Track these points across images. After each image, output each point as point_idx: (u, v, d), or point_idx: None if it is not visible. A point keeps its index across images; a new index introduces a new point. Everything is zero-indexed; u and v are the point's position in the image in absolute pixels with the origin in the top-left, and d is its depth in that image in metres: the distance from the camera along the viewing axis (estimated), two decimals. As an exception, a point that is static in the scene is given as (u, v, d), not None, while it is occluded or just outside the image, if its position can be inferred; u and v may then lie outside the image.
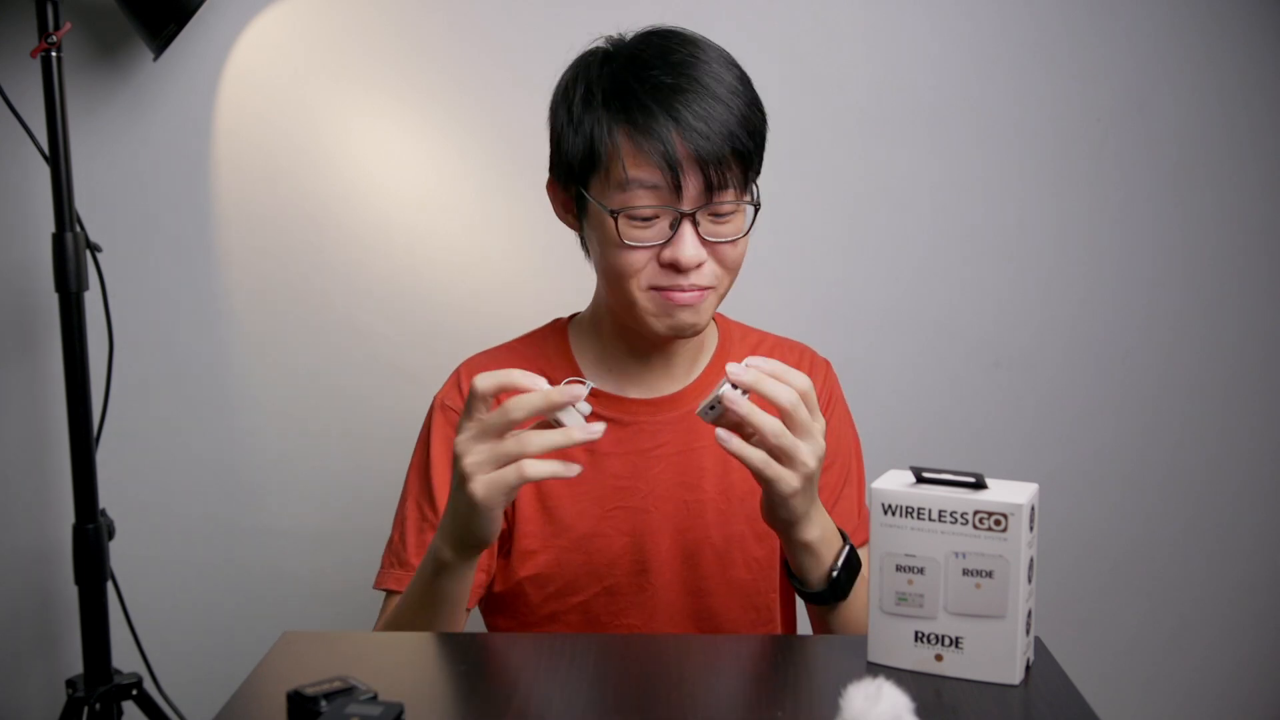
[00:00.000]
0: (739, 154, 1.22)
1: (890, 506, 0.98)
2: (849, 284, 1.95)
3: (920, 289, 1.95)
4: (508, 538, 1.34)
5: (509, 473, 1.05)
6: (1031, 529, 0.97)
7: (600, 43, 1.30)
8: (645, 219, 1.22)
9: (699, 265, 1.23)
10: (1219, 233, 1.96)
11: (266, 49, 1.88)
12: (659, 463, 1.33)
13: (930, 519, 0.97)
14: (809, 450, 1.09)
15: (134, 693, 1.74)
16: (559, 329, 1.41)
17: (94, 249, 1.74)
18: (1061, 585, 2.01)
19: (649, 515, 1.33)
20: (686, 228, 1.21)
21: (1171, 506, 2.02)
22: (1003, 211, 1.95)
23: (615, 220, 1.22)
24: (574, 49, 1.32)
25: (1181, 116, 1.93)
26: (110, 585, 1.75)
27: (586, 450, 1.31)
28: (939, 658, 0.99)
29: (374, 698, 0.92)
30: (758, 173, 1.29)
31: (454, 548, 1.13)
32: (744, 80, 1.27)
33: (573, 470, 1.07)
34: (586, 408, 1.07)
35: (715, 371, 1.37)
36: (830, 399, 1.42)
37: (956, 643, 0.98)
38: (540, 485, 1.32)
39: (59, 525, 1.93)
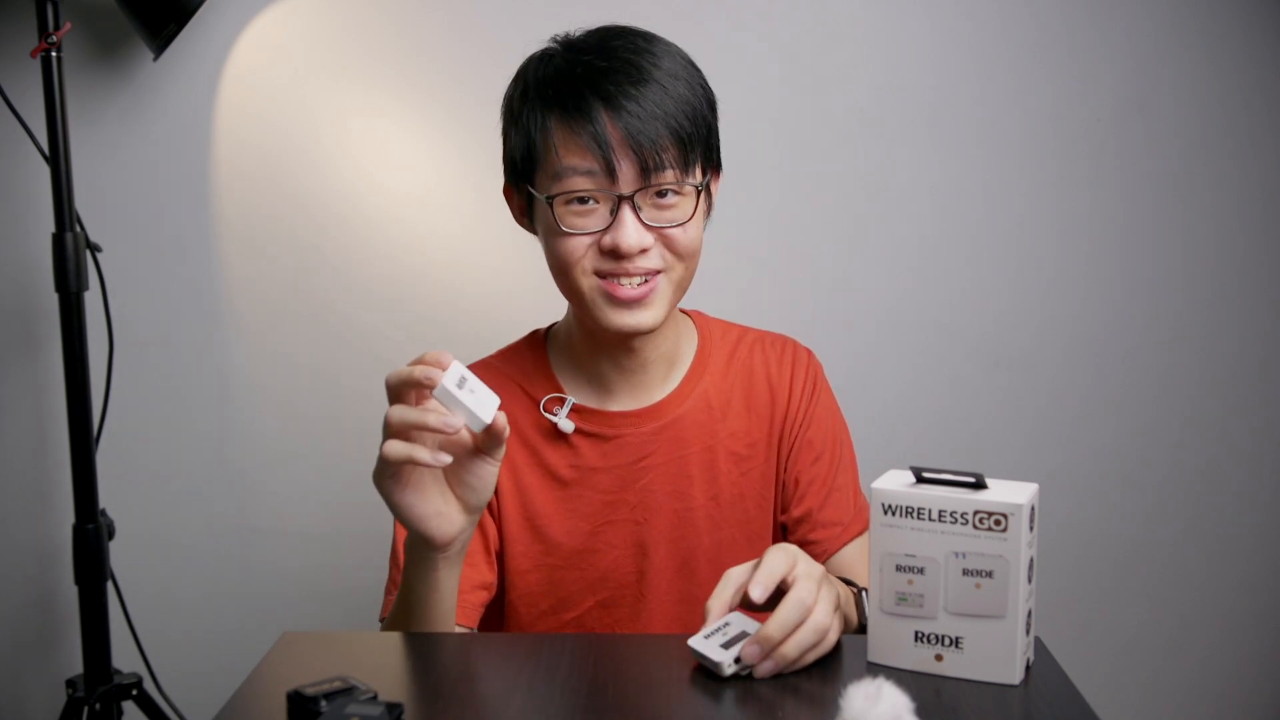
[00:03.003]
0: (676, 135, 1.20)
1: (890, 507, 0.98)
2: (849, 284, 1.95)
3: (920, 289, 1.95)
4: (499, 556, 1.33)
5: (382, 451, 1.02)
6: (1031, 529, 0.97)
7: (548, 43, 1.29)
8: (582, 202, 1.20)
9: (642, 251, 1.20)
10: (1219, 233, 1.96)
11: (266, 49, 1.88)
12: (647, 474, 1.32)
13: (930, 519, 0.97)
14: (825, 610, 1.02)
15: (134, 693, 1.74)
16: (537, 342, 1.39)
17: (94, 249, 1.74)
18: (1061, 585, 2.01)
19: (641, 528, 1.32)
20: (625, 211, 1.19)
21: (1171, 506, 2.02)
22: (1003, 211, 1.95)
23: (552, 206, 1.21)
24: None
25: (1181, 116, 1.93)
26: (110, 585, 1.75)
27: (570, 466, 1.31)
28: (939, 658, 0.99)
29: (374, 698, 0.92)
30: (709, 159, 1.27)
31: (412, 549, 1.11)
32: (688, 67, 1.25)
33: (442, 460, 1.02)
34: (459, 375, 1.01)
35: (698, 373, 1.35)
36: (814, 389, 1.40)
37: (956, 643, 0.98)
38: (527, 504, 1.31)
39: (59, 525, 1.93)
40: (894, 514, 0.98)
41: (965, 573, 0.96)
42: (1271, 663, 2.07)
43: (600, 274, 1.22)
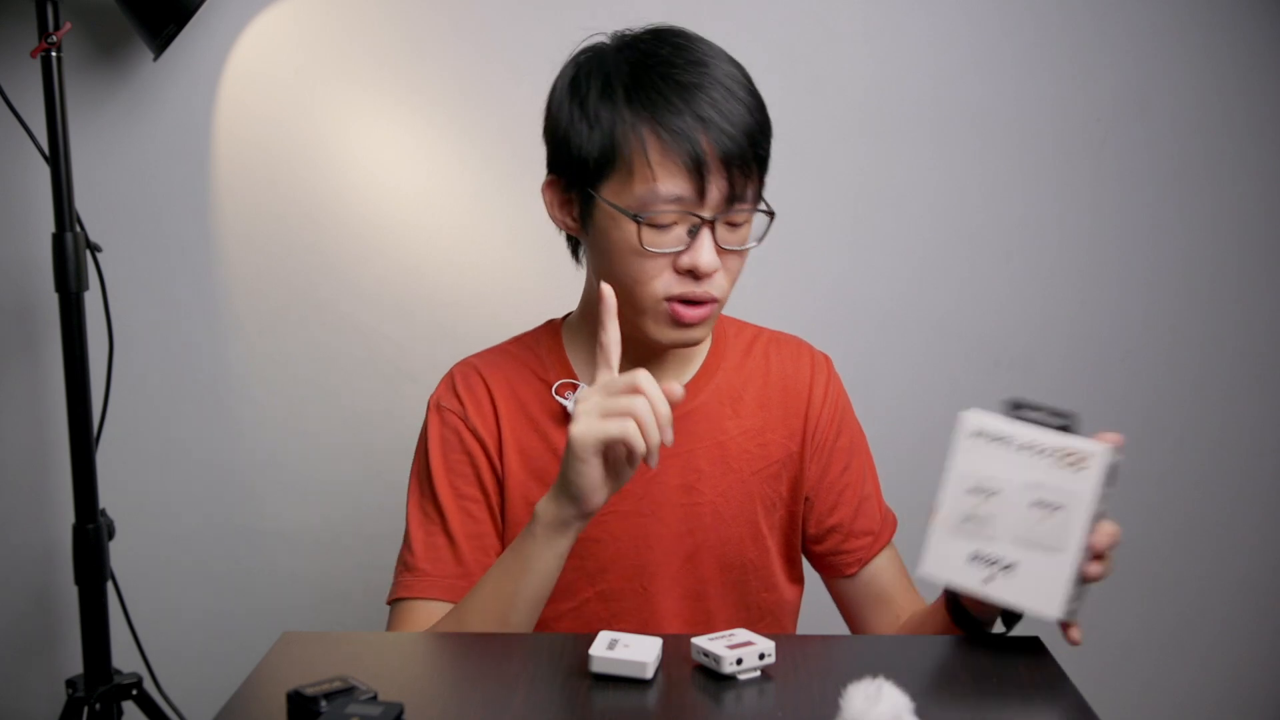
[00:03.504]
0: (760, 159, 1.21)
1: (980, 430, 0.99)
2: (849, 284, 1.95)
3: (920, 289, 1.95)
4: (500, 541, 1.33)
5: (611, 425, 1.06)
6: (1109, 484, 0.98)
7: (602, 38, 1.27)
8: (665, 225, 1.19)
9: (714, 273, 1.21)
10: (1219, 233, 1.96)
11: (266, 49, 1.88)
12: (656, 466, 1.32)
13: (1016, 448, 1.01)
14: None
15: (134, 693, 1.74)
16: (553, 330, 1.39)
17: (94, 249, 1.74)
18: (1061, 585, 2.01)
19: (646, 520, 1.31)
20: (705, 234, 1.19)
21: (1171, 506, 2.02)
22: (1003, 211, 1.95)
23: (639, 226, 1.19)
24: (575, 49, 1.31)
25: (1181, 116, 1.93)
26: (110, 585, 1.75)
27: None
28: (989, 580, 1.00)
29: (374, 698, 0.92)
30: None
31: (553, 504, 1.12)
32: (752, 85, 1.25)
33: (653, 461, 1.08)
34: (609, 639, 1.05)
35: (711, 369, 1.35)
36: (839, 397, 1.40)
37: (1010, 568, 1.00)
38: (531, 488, 1.30)
39: (59, 525, 1.93)
40: (982, 438, 1.01)
41: (1036, 504, 1.00)
42: (1271, 663, 2.07)
43: (669, 298, 1.21)
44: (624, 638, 1.04)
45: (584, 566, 1.30)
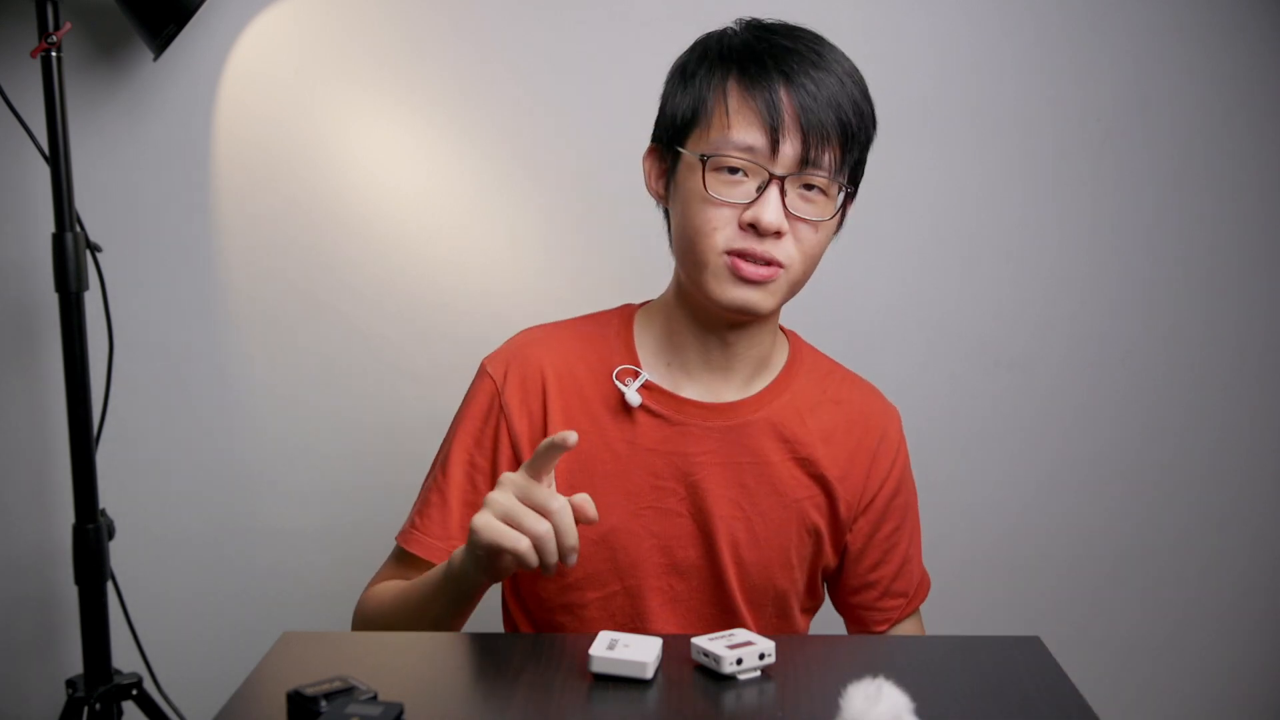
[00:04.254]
0: (843, 127, 1.20)
1: None
2: (849, 284, 1.95)
3: (920, 289, 1.95)
4: None
5: (506, 537, 1.06)
6: None
7: (729, 25, 1.29)
8: (734, 171, 1.19)
9: (778, 234, 1.20)
10: (1219, 233, 1.96)
11: (266, 49, 1.88)
12: (701, 469, 1.30)
13: None
14: None
15: (134, 693, 1.74)
16: (626, 314, 1.37)
17: (94, 249, 1.74)
18: (1060, 585, 2.02)
19: (683, 521, 1.30)
20: (773, 191, 1.19)
21: (1171, 507, 2.02)
22: (1002, 211, 1.95)
23: (704, 168, 1.19)
24: (576, 49, 1.31)
25: (1181, 116, 1.93)
26: (110, 585, 1.75)
27: (627, 442, 1.29)
28: None
29: (374, 698, 0.92)
30: (857, 174, 1.28)
31: (463, 562, 1.13)
32: (861, 78, 1.26)
33: (549, 572, 1.08)
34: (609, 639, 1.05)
35: (780, 389, 1.34)
36: (903, 456, 1.39)
37: None
38: (576, 471, 1.29)
39: (59, 525, 1.93)
40: None
41: None
42: (1271, 663, 2.07)
43: (730, 251, 1.21)
44: (624, 638, 1.04)
45: (613, 559, 1.29)
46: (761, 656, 1.02)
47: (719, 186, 1.20)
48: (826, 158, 1.20)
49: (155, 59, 1.79)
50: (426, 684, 1.05)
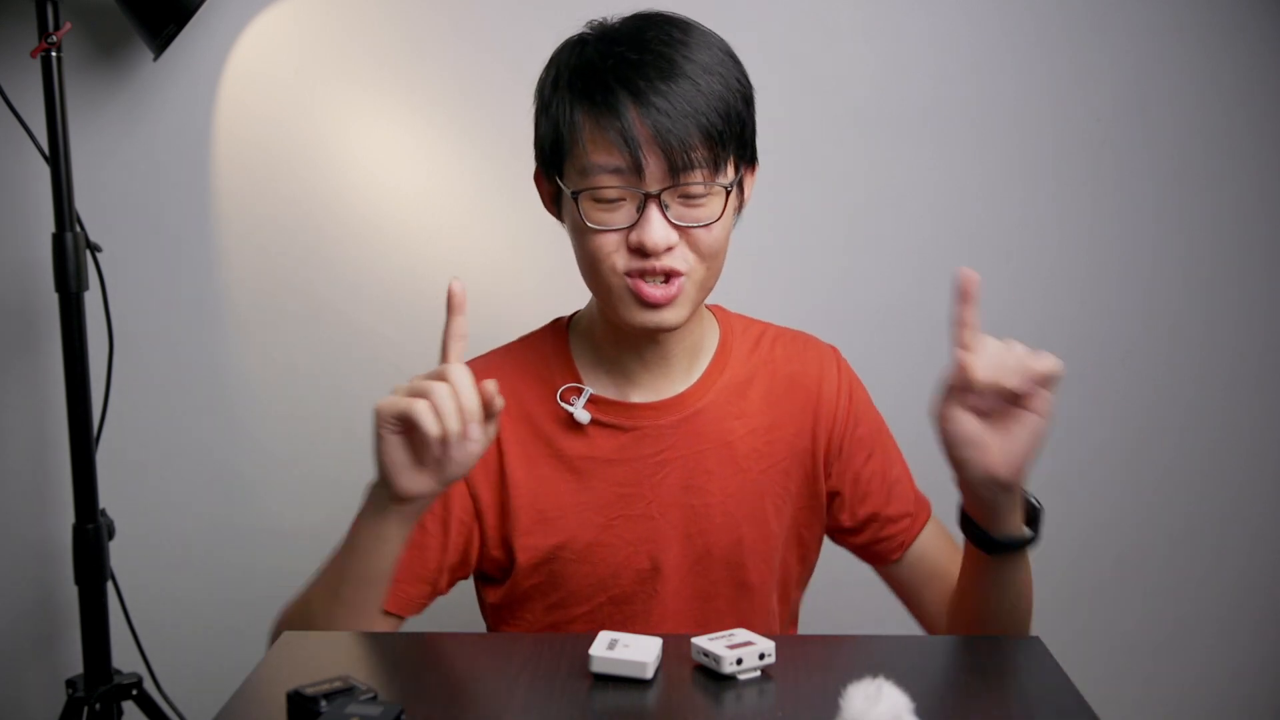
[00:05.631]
0: (706, 133, 1.16)
1: None
2: (849, 284, 1.95)
3: (920, 289, 1.95)
4: (493, 549, 1.31)
5: (402, 400, 1.06)
6: None
7: (583, 28, 1.25)
8: (610, 200, 1.18)
9: (668, 249, 1.18)
10: (1219, 233, 1.96)
11: (266, 49, 1.88)
12: (664, 468, 1.30)
13: None
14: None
15: (134, 693, 1.74)
16: (559, 330, 1.38)
17: (94, 249, 1.74)
18: (1061, 585, 2.01)
19: (655, 522, 1.30)
20: (652, 209, 1.17)
21: (1171, 506, 2.02)
22: (1002, 211, 1.95)
23: (577, 202, 1.18)
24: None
25: (1181, 116, 1.93)
26: (110, 585, 1.75)
27: (585, 458, 1.30)
28: None
29: (374, 698, 0.92)
30: (744, 156, 1.25)
31: (373, 485, 1.14)
32: (725, 60, 1.22)
33: (453, 453, 1.07)
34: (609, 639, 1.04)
35: (719, 367, 1.34)
36: (851, 386, 1.39)
37: None
38: (539, 495, 1.29)
39: (59, 525, 1.93)
40: None
41: None
42: (1271, 663, 2.07)
43: (628, 273, 1.20)
44: (624, 638, 1.04)
45: (595, 573, 1.30)
46: (761, 656, 1.02)
47: (598, 215, 1.18)
48: (696, 163, 1.17)
49: (155, 59, 1.79)
50: (426, 684, 1.05)
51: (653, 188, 1.17)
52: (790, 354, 1.38)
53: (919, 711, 0.85)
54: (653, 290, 1.19)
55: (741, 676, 1.01)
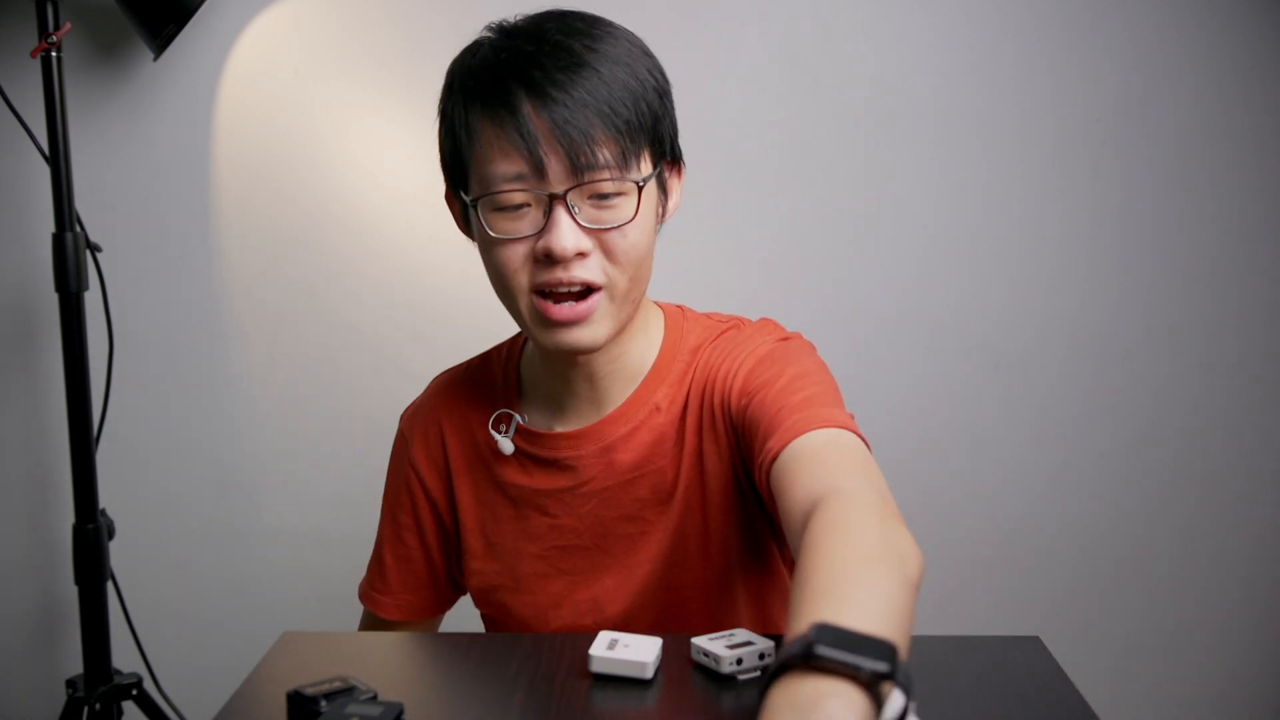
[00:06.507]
0: (612, 125, 1.06)
1: None
2: (849, 284, 1.95)
3: (920, 289, 1.95)
4: (430, 569, 1.32)
5: None
6: None
7: (482, 31, 1.17)
8: (514, 207, 1.08)
9: (580, 255, 1.08)
10: (1219, 233, 1.96)
11: (266, 49, 1.88)
12: (589, 500, 1.21)
13: None
14: None
15: (134, 693, 1.74)
16: (515, 348, 1.30)
17: (94, 249, 1.74)
18: (1062, 585, 2.02)
19: (588, 553, 1.23)
20: (559, 212, 1.06)
21: (1171, 507, 2.02)
22: (1003, 212, 1.94)
23: (478, 210, 1.09)
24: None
25: (1181, 116, 1.92)
26: (110, 585, 1.75)
27: (519, 486, 1.24)
28: None
29: (374, 698, 0.92)
30: (661, 151, 1.14)
31: None
32: (633, 50, 1.11)
33: None
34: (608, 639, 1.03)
35: (647, 392, 1.20)
36: (728, 348, 1.19)
37: None
38: (486, 521, 1.26)
39: (59, 525, 1.93)
40: None
41: None
42: (1271, 663, 2.07)
43: (536, 289, 1.10)
44: (624, 638, 1.04)
45: (535, 603, 1.25)
46: (761, 656, 1.02)
47: (503, 224, 1.09)
48: (603, 158, 1.06)
49: (155, 59, 1.79)
50: (426, 684, 1.05)
51: (557, 188, 1.07)
52: (713, 362, 1.20)
53: (919, 711, 0.85)
54: (559, 310, 1.10)
55: (741, 676, 1.01)
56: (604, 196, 1.08)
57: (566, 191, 1.07)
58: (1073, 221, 1.95)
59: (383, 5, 1.89)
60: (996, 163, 1.93)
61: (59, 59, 1.66)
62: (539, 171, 1.06)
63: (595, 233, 1.09)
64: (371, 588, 1.36)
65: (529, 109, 1.06)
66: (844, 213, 1.94)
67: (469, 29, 1.88)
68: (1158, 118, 1.92)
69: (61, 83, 1.66)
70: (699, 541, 1.20)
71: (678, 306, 1.28)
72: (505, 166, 1.07)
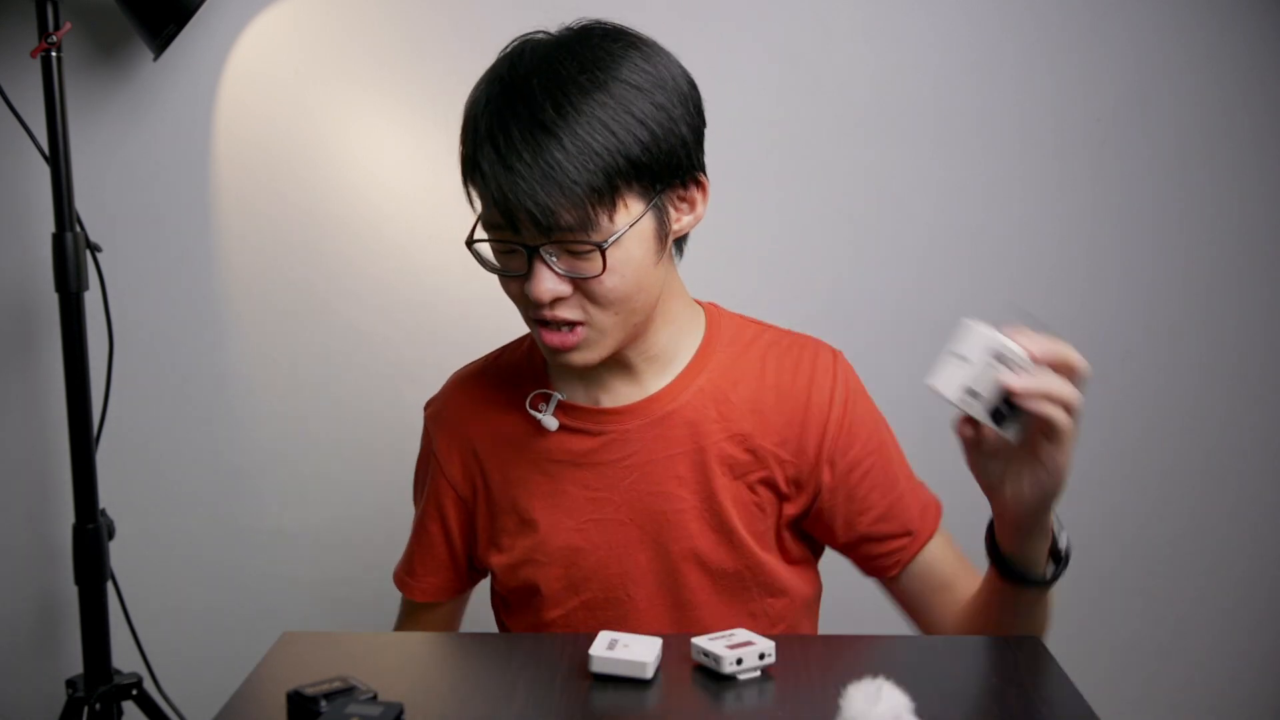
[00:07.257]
0: (573, 196, 1.11)
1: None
2: (849, 284, 1.95)
3: (921, 289, 1.95)
4: (485, 548, 1.33)
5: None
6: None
7: (503, 51, 1.24)
8: (504, 250, 1.18)
9: (558, 299, 1.16)
10: (1219, 233, 1.96)
11: (266, 49, 1.88)
12: (631, 473, 1.27)
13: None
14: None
15: (134, 693, 1.74)
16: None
17: (94, 249, 1.74)
18: (1061, 585, 2.01)
19: (624, 527, 1.28)
20: (535, 263, 1.14)
21: (1171, 507, 2.02)
22: (1003, 212, 1.95)
23: (473, 249, 1.20)
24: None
25: (1181, 116, 1.93)
26: (110, 585, 1.75)
27: (555, 462, 1.29)
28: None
29: (374, 698, 0.92)
30: (661, 182, 1.17)
31: None
32: (636, 90, 1.15)
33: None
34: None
35: (696, 370, 1.29)
36: (846, 399, 1.32)
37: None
38: (516, 498, 1.30)
39: (59, 525, 1.93)
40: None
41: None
42: (1271, 663, 2.07)
43: (534, 320, 1.19)
44: (624, 638, 1.04)
45: (568, 575, 1.29)
46: (761, 656, 1.02)
47: (501, 259, 1.19)
48: (565, 222, 1.11)
49: (155, 59, 1.79)
50: (426, 684, 1.05)
51: (530, 242, 1.14)
52: (782, 365, 1.31)
53: (919, 711, 0.85)
54: (551, 337, 1.18)
55: (741, 676, 1.01)
56: (575, 252, 1.14)
57: (539, 246, 1.14)
58: (1073, 221, 1.95)
59: (383, 5, 1.89)
60: (996, 163, 1.93)
61: (59, 59, 1.66)
62: (514, 227, 1.14)
63: (573, 279, 1.15)
64: (405, 572, 1.40)
65: (499, 173, 1.12)
66: (844, 213, 1.94)
67: (469, 29, 1.89)
68: (1158, 118, 1.92)
69: (61, 83, 1.66)
70: (728, 526, 1.28)
71: (710, 303, 1.36)
72: (490, 214, 1.16)
